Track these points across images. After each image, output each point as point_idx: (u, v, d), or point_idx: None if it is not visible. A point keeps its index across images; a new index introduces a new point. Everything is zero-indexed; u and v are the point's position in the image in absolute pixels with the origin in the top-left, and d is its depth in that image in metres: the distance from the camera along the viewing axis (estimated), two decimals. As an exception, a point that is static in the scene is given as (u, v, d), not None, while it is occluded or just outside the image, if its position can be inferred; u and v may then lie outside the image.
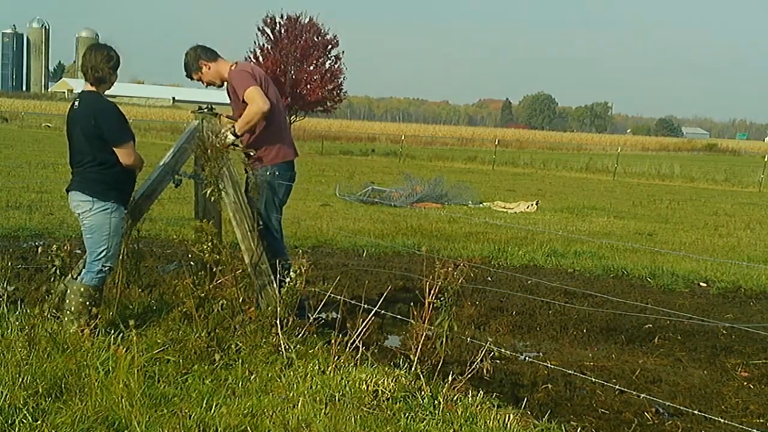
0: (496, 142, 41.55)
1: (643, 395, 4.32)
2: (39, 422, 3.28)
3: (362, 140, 48.78)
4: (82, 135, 4.42)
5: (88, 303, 4.46)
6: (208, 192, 4.77)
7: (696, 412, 4.14)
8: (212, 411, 3.50)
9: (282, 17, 37.69)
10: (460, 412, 3.68)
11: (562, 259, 9.03)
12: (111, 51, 4.49)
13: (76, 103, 4.50)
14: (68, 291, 4.52)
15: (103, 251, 4.48)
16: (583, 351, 5.50)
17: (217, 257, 4.57)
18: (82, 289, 4.46)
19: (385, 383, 3.87)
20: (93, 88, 4.49)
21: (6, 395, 3.42)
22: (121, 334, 4.35)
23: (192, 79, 5.28)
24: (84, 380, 3.72)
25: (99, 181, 4.43)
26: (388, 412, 3.62)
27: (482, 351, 4.11)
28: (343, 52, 38.61)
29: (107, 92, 4.58)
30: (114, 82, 4.56)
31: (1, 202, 10.72)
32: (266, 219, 5.17)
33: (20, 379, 3.61)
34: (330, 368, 4.09)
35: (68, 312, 4.48)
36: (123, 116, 4.50)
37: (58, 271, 4.87)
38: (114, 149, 4.42)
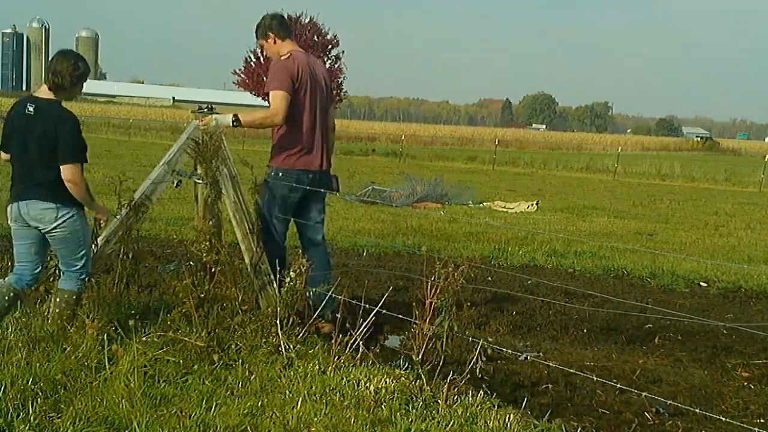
0: (497, 142, 41.54)
1: (643, 395, 4.31)
2: (38, 422, 3.27)
3: (362, 140, 48.74)
4: (40, 143, 4.14)
5: (75, 309, 4.40)
6: (205, 193, 4.77)
7: (697, 411, 4.13)
8: (212, 411, 3.49)
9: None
10: (460, 412, 3.68)
11: (562, 259, 9.03)
12: (79, 61, 4.27)
13: (30, 108, 4.21)
14: (55, 299, 4.39)
15: (83, 256, 4.36)
16: (584, 351, 5.49)
17: (216, 257, 4.57)
18: (74, 297, 4.38)
19: (386, 383, 3.87)
20: (51, 95, 4.23)
21: (5, 396, 3.42)
22: (121, 334, 4.35)
23: (257, 40, 5.23)
24: (84, 380, 3.72)
25: (61, 189, 4.18)
26: (388, 412, 3.62)
27: (477, 349, 4.11)
28: (343, 51, 38.71)
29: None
30: (75, 94, 4.34)
31: (2, 202, 10.69)
32: (267, 219, 5.16)
33: (19, 380, 3.61)
34: (330, 368, 4.08)
35: (54, 316, 4.37)
36: (81, 133, 4.25)
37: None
38: (60, 165, 4.15)
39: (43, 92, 4.26)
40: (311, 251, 5.28)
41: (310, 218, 5.35)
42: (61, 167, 4.14)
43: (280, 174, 5.09)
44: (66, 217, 4.24)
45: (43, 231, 4.27)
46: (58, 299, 4.37)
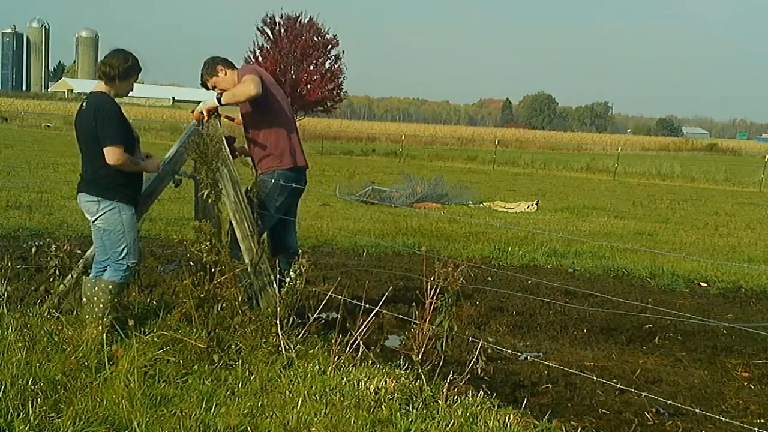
0: (497, 142, 41.53)
1: (643, 395, 4.32)
2: (38, 422, 3.27)
3: (362, 140, 48.74)
4: (86, 134, 4.42)
5: (116, 300, 4.50)
6: (205, 194, 4.77)
7: (697, 411, 4.13)
8: (212, 411, 3.49)
9: (281, 17, 37.69)
10: (460, 412, 3.67)
11: (562, 259, 9.03)
12: (130, 56, 4.50)
13: (84, 104, 4.51)
14: (89, 292, 4.46)
15: (123, 249, 4.49)
16: (584, 351, 5.49)
17: (216, 257, 4.56)
18: (110, 287, 4.45)
19: (386, 383, 3.87)
20: (102, 88, 4.50)
21: (5, 396, 3.42)
22: (121, 335, 4.35)
23: (206, 86, 5.31)
24: (84, 380, 3.71)
25: (102, 180, 4.42)
26: (388, 412, 3.62)
27: (477, 349, 4.10)
28: (343, 51, 38.62)
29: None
30: (126, 89, 4.55)
31: (1, 202, 10.71)
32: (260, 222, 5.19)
33: (19, 380, 3.60)
34: (330, 368, 4.08)
35: (92, 313, 4.42)
36: (120, 118, 4.43)
37: (57, 271, 4.86)
38: (103, 149, 4.37)
39: (96, 87, 4.55)
40: (285, 257, 5.31)
41: (290, 216, 5.47)
42: (104, 151, 4.35)
43: (284, 175, 5.20)
44: (106, 209, 4.45)
45: (91, 221, 4.53)
46: (96, 288, 4.46)
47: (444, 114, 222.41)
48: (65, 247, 4.97)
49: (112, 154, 4.34)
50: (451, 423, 3.55)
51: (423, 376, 3.97)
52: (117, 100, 4.54)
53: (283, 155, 5.21)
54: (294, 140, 5.31)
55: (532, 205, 14.81)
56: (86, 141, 4.44)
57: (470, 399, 3.83)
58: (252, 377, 3.96)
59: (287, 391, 3.78)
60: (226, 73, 5.24)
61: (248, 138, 5.29)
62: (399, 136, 42.89)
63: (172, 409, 3.49)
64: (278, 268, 4.98)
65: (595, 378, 4.44)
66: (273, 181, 5.16)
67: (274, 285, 4.92)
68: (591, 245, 9.74)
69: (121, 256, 4.50)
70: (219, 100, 4.92)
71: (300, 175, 5.34)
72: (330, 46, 38.38)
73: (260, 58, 37.52)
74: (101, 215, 4.45)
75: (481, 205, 15.19)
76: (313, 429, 3.37)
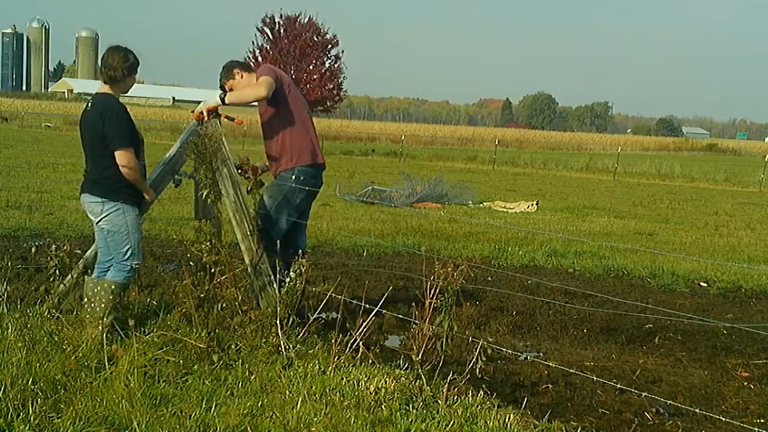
0: (496, 142, 41.52)
1: (643, 395, 4.31)
2: (38, 422, 3.27)
3: (362, 140, 48.72)
4: (91, 135, 4.43)
5: (117, 301, 4.51)
6: (205, 194, 4.77)
7: (697, 411, 4.13)
8: (212, 411, 3.49)
9: (281, 17, 37.72)
10: (460, 412, 3.68)
11: (562, 259, 9.03)
12: (129, 54, 4.51)
13: (89, 104, 4.51)
14: (91, 291, 4.47)
15: (128, 250, 4.50)
16: (584, 351, 5.49)
17: (216, 257, 4.56)
18: (112, 287, 4.46)
19: (386, 383, 3.87)
20: (107, 89, 4.50)
21: (5, 396, 3.42)
22: (121, 335, 4.35)
23: (224, 89, 5.31)
24: (84, 380, 3.71)
25: (107, 181, 4.43)
26: (388, 412, 3.62)
27: (477, 349, 4.10)
28: (342, 51, 38.69)
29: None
30: (130, 85, 4.59)
31: (1, 202, 10.70)
32: (272, 219, 5.20)
33: (19, 380, 3.61)
34: (330, 368, 4.08)
35: (93, 313, 4.43)
36: (128, 120, 4.45)
37: (57, 271, 4.86)
38: (113, 152, 4.39)
39: (101, 88, 4.55)
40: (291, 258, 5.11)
41: (303, 218, 5.47)
42: (114, 154, 4.37)
43: (305, 171, 5.26)
44: (111, 211, 4.46)
45: (95, 222, 4.53)
46: (98, 288, 4.47)
47: (444, 114, 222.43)
48: (65, 247, 4.97)
49: (123, 158, 4.37)
50: (451, 423, 3.55)
51: (423, 376, 3.97)
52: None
53: (302, 152, 5.24)
54: (312, 138, 5.35)
55: (532, 205, 14.81)
56: (91, 141, 4.45)
57: (470, 399, 3.83)
58: (252, 377, 3.96)
59: (287, 391, 3.79)
60: (242, 77, 5.27)
61: (266, 137, 5.30)
62: (399, 136, 42.88)
63: (172, 409, 3.49)
64: (279, 268, 4.97)
65: (595, 378, 4.44)
66: (293, 177, 5.18)
67: (275, 285, 4.91)
68: (591, 245, 9.74)
69: (125, 257, 4.51)
70: (222, 99, 4.93)
71: (318, 172, 5.41)
72: (330, 46, 38.44)
73: (260, 58, 37.57)
74: (105, 216, 4.45)
75: (481, 205, 15.18)
76: (313, 429, 3.37)
